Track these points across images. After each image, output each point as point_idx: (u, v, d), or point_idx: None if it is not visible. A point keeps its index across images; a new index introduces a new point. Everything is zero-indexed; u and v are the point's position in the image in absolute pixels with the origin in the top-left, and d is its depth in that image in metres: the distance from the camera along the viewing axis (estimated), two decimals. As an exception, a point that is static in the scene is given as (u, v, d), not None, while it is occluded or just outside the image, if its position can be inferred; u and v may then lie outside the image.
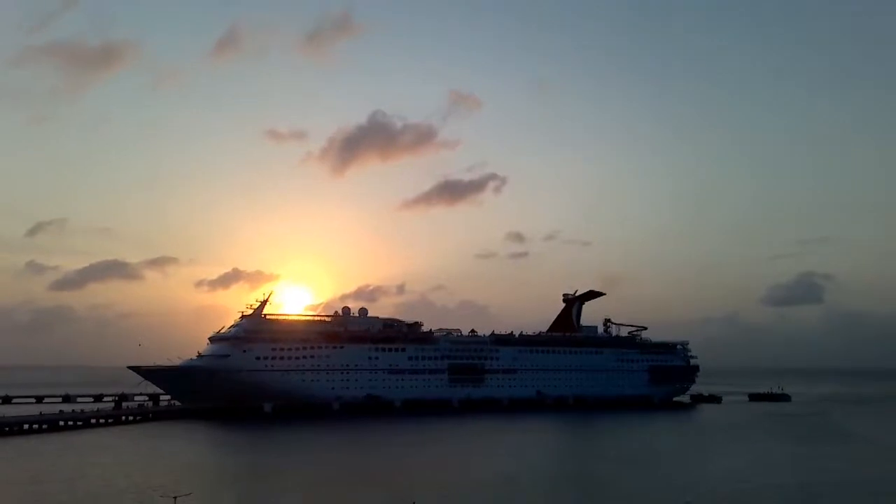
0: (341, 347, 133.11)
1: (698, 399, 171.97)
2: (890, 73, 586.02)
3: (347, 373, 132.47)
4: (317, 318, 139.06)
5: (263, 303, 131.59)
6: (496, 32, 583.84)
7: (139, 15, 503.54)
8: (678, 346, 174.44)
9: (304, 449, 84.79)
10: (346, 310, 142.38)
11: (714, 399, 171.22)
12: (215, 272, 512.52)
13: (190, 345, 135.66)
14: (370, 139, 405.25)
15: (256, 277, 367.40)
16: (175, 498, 37.14)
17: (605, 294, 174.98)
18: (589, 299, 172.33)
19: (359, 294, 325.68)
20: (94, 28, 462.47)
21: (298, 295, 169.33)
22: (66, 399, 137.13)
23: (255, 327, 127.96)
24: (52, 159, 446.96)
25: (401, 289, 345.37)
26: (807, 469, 69.23)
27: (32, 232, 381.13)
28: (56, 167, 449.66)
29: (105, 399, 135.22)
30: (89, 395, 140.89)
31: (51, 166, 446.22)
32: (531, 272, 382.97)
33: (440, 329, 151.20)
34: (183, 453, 76.05)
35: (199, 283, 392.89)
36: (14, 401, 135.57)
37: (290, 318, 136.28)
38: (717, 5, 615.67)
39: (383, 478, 59.54)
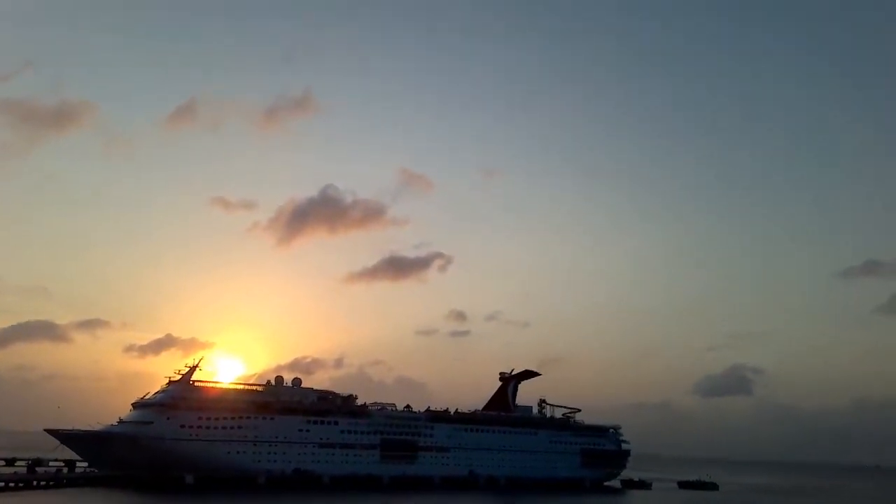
0: (271, 419, 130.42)
1: (629, 484, 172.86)
2: (819, 188, 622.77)
3: (276, 445, 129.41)
4: (248, 388, 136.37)
5: (193, 369, 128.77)
6: (449, 120, 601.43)
7: (97, 79, 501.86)
8: (610, 430, 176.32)
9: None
10: (279, 379, 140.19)
11: (644, 485, 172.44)
12: (147, 337, 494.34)
13: (114, 411, 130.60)
14: (319, 212, 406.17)
15: (190, 345, 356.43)
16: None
17: (540, 374, 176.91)
18: (525, 379, 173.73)
19: (295, 365, 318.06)
20: (50, 88, 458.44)
21: (232, 364, 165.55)
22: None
23: (182, 394, 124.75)
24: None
25: (338, 362, 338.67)
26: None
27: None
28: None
29: (17, 463, 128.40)
30: (1, 459, 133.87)
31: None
32: (471, 351, 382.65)
33: (375, 403, 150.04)
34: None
35: (129, 348, 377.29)
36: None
37: (220, 386, 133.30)
38: (657, 112, 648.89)
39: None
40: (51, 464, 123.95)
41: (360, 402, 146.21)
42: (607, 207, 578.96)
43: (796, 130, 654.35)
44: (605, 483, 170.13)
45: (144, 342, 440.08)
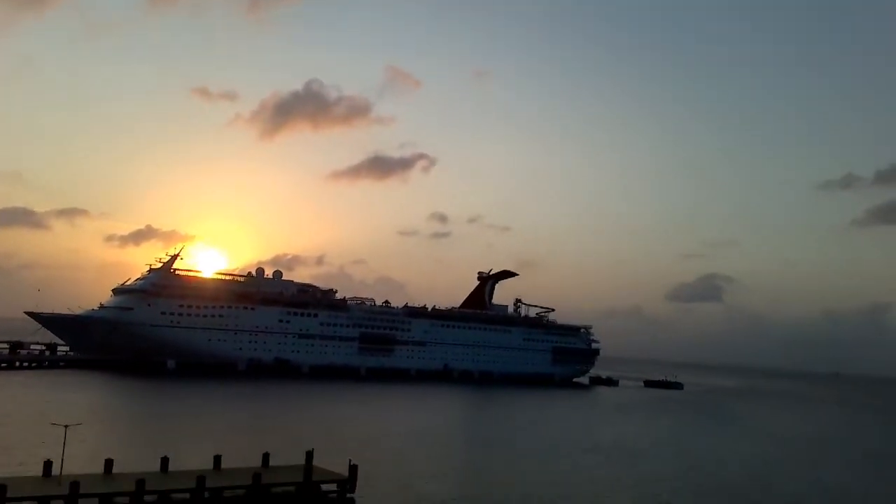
0: (252, 309, 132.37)
1: (597, 381, 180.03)
2: (800, 101, 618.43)
3: (256, 335, 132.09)
4: (229, 278, 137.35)
5: (174, 257, 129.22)
6: (440, 17, 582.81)
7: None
8: (581, 330, 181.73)
9: (203, 400, 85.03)
10: (261, 271, 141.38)
11: (611, 382, 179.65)
12: (127, 228, 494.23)
13: (94, 300, 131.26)
14: (303, 106, 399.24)
15: (171, 236, 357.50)
16: (66, 426, 37.51)
17: (517, 275, 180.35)
18: (502, 279, 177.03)
19: (276, 261, 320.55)
20: None
21: (213, 256, 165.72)
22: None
23: (163, 282, 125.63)
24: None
25: (320, 260, 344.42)
26: (673, 437, 74.84)
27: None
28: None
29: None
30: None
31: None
32: (451, 252, 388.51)
33: (354, 298, 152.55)
34: (77, 394, 75.18)
35: (110, 238, 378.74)
36: None
37: (201, 275, 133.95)
38: (655, 13, 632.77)
39: (282, 428, 60.94)
40: (32, 347, 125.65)
41: (339, 296, 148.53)
42: (592, 117, 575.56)
43: (780, 43, 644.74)
44: (574, 379, 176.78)
45: (124, 232, 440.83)
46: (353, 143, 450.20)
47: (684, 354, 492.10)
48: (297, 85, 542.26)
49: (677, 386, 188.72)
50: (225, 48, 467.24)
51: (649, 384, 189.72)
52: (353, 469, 36.43)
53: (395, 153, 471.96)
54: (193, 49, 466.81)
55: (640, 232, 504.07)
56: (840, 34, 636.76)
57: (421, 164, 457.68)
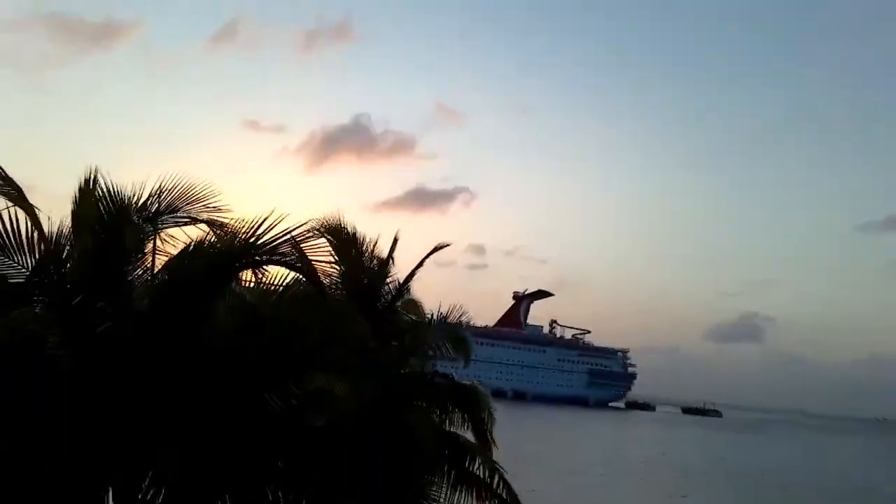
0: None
1: (633, 405, 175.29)
2: (842, 141, 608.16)
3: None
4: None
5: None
6: (486, 55, 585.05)
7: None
8: (619, 353, 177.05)
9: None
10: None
11: (648, 407, 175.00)
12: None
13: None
14: (350, 140, 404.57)
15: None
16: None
17: (553, 295, 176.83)
18: (538, 298, 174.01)
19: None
20: (97, 4, 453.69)
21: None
22: None
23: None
24: (31, 127, 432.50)
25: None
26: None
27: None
28: (32, 135, 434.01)
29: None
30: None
31: (26, 134, 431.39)
32: (487, 284, 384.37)
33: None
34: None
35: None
36: None
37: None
38: (690, 51, 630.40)
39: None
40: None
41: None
42: (634, 154, 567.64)
43: (822, 83, 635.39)
44: (610, 403, 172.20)
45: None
46: (396, 176, 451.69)
47: (722, 395, 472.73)
48: (345, 119, 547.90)
49: (716, 413, 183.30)
50: (276, 82, 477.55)
51: (687, 411, 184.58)
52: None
53: (437, 186, 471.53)
54: (247, 84, 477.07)
55: (675, 269, 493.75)
56: (879, 74, 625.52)
57: (462, 197, 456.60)
